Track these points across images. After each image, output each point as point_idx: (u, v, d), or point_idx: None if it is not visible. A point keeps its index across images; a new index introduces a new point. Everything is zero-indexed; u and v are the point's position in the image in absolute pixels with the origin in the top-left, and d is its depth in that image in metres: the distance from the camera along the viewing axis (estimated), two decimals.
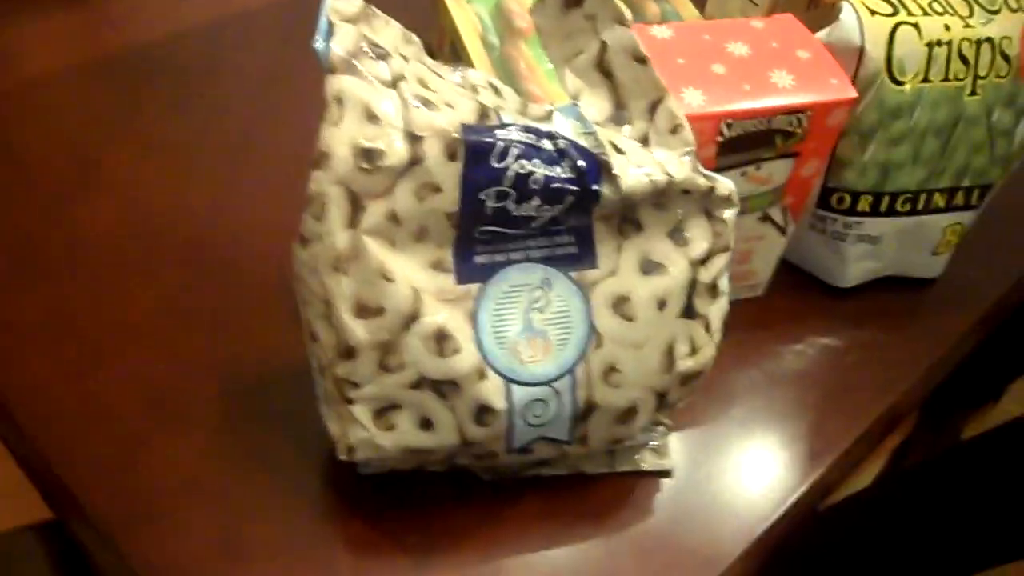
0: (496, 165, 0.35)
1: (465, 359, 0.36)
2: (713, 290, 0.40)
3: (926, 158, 0.49)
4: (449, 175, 0.35)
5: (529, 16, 0.62)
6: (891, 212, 0.50)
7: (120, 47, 0.63)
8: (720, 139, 0.41)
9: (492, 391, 0.37)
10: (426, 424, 0.37)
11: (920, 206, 0.50)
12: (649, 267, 0.39)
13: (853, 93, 0.42)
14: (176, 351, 0.47)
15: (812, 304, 0.54)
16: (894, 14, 0.45)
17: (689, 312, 0.39)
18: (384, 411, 0.37)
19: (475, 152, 0.35)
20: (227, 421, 0.44)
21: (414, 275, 0.36)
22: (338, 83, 0.35)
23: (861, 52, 0.45)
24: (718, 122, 0.41)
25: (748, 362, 0.50)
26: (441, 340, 0.36)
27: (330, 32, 0.35)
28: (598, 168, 0.37)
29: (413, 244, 0.36)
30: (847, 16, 0.45)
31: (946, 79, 0.47)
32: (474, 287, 0.37)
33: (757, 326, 0.52)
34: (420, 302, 0.36)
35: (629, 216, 0.38)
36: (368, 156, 0.34)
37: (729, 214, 0.39)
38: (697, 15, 0.63)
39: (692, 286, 0.39)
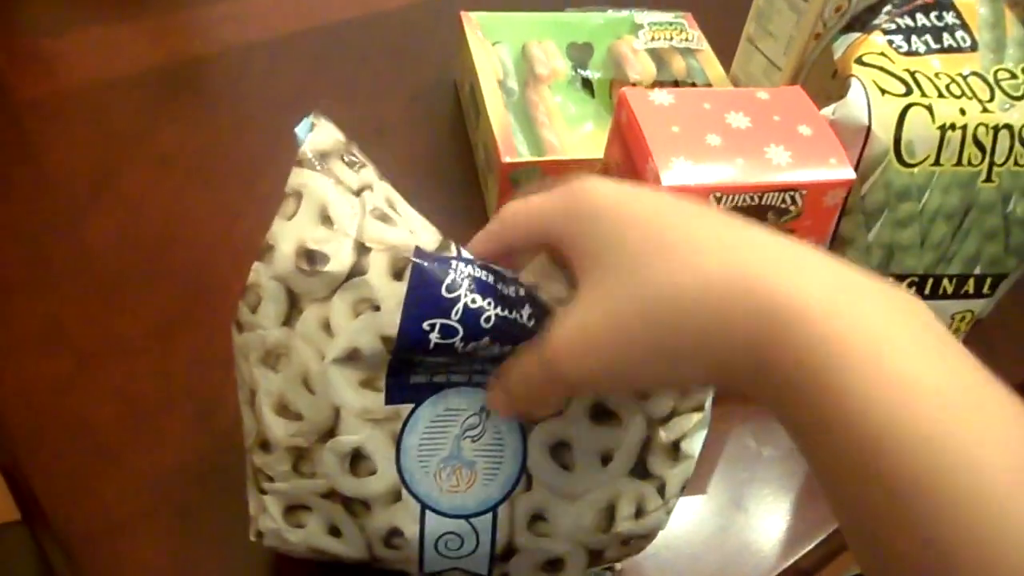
0: (446, 295, 0.32)
1: (380, 481, 0.35)
2: (675, 451, 0.36)
3: (935, 242, 0.47)
4: (391, 294, 0.32)
5: (552, 63, 0.63)
6: None
7: (152, 63, 0.65)
8: None
9: (405, 516, 0.35)
10: (335, 532, 0.36)
11: (927, 291, 0.49)
12: (600, 415, 0.35)
13: (851, 175, 0.41)
14: (161, 370, 0.47)
15: None
16: (907, 94, 0.44)
17: (640, 471, 0.36)
18: (294, 508, 0.36)
19: (423, 275, 0.32)
20: (199, 447, 0.44)
21: (339, 392, 0.33)
22: (301, 177, 0.33)
23: (868, 132, 0.44)
24: (707, 195, 0.40)
25: (733, 435, 0.49)
26: (356, 460, 0.34)
27: (312, 127, 0.34)
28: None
29: (343, 360, 0.33)
30: (855, 95, 0.44)
31: (959, 163, 0.45)
32: (405, 408, 0.34)
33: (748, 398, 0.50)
34: (339, 421, 0.34)
35: None
36: (311, 258, 0.32)
37: None
38: (722, 73, 0.62)
39: (646, 445, 0.36)
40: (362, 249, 0.32)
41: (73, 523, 0.41)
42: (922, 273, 0.48)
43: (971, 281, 0.49)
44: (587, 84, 0.62)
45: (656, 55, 0.63)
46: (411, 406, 0.34)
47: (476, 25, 0.63)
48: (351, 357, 0.33)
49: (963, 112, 0.45)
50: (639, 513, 0.36)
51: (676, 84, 0.62)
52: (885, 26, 0.47)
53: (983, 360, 0.57)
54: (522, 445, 0.35)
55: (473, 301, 0.32)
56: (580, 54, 0.63)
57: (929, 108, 0.44)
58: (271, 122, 0.62)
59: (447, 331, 0.32)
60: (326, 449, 0.34)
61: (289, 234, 0.33)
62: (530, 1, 0.68)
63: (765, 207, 0.41)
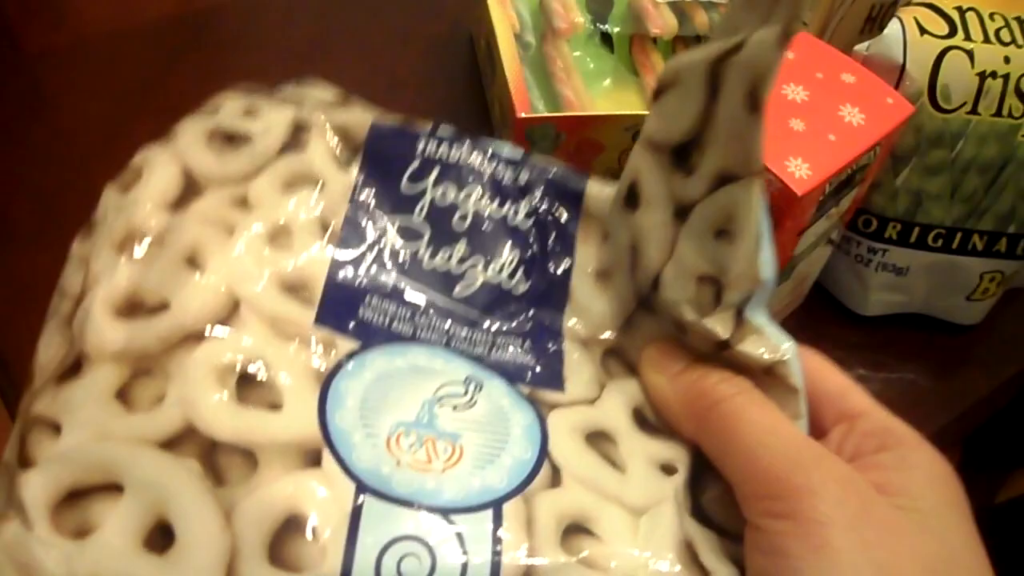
0: (406, 190, 0.26)
1: (284, 422, 0.21)
2: None
3: (966, 195, 0.45)
4: (337, 180, 0.26)
5: (571, 17, 0.61)
6: (921, 245, 0.47)
7: (165, 12, 0.64)
8: (821, 198, 0.38)
9: (320, 495, 0.20)
10: (166, 536, 0.19)
11: (955, 245, 0.47)
12: (645, 422, 0.25)
13: (911, 107, 0.39)
14: None
15: (826, 330, 0.51)
16: (949, 36, 0.42)
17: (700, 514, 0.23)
18: (84, 495, 0.20)
19: (379, 159, 0.26)
20: None
21: (248, 274, 0.23)
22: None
23: (902, 71, 0.42)
24: (824, 187, 0.37)
25: None
26: (248, 378, 0.21)
27: None
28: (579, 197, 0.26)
29: (262, 238, 0.24)
30: (892, 31, 0.42)
31: (998, 114, 0.43)
32: (345, 342, 0.23)
33: None
34: (235, 312, 0.22)
35: (620, 348, 0.26)
36: (230, 137, 0.26)
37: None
38: None
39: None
40: (300, 127, 0.27)
41: None
42: (950, 225, 0.47)
43: (1003, 240, 0.48)
44: (606, 39, 0.60)
45: (678, 9, 0.61)
46: (355, 344, 0.23)
47: None
48: (275, 239, 0.24)
49: (1007, 60, 0.43)
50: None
51: (698, 39, 0.61)
52: None
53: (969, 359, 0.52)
54: (539, 425, 0.23)
55: (443, 196, 0.26)
56: (599, 7, 0.62)
57: (970, 53, 0.42)
58: (283, 74, 0.61)
59: (409, 235, 0.26)
60: (197, 352, 0.21)
61: (197, 124, 0.27)
62: None
63: (856, 170, 0.39)
